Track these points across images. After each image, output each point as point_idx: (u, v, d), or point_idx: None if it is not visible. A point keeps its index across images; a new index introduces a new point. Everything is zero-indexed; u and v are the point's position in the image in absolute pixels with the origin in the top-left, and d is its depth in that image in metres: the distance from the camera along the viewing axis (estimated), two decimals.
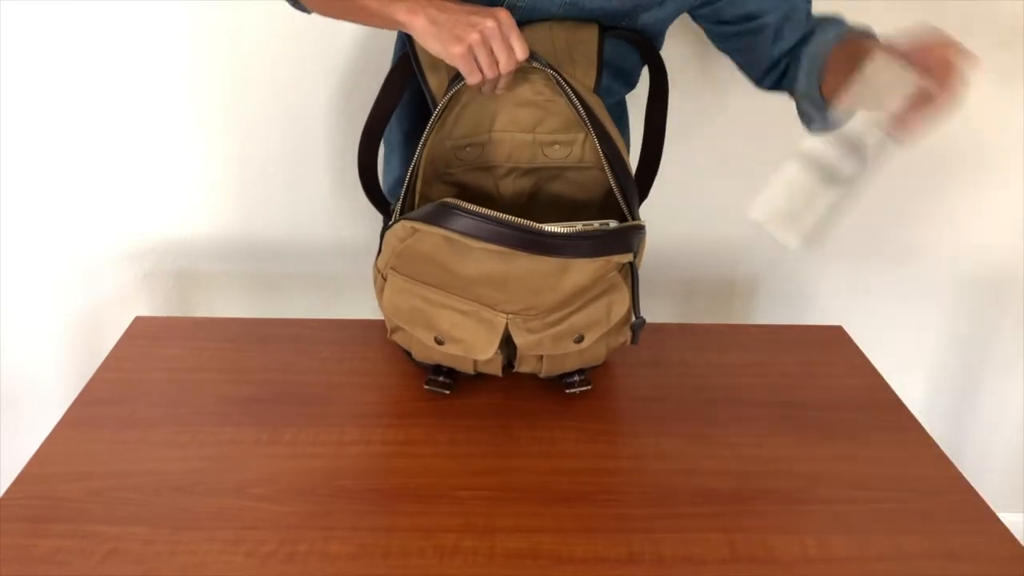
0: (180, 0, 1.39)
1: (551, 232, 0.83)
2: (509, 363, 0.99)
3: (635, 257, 0.93)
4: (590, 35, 0.99)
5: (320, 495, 0.85)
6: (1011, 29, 1.45)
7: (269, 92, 1.46)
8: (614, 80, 1.10)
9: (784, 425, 0.98)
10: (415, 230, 0.88)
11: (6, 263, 1.55)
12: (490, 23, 0.85)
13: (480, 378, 1.03)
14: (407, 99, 1.09)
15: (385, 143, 1.18)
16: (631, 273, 0.95)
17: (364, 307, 1.60)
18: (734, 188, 1.55)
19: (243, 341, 1.12)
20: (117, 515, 0.81)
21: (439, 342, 0.94)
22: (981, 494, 0.87)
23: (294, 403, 0.99)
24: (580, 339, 0.94)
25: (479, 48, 0.85)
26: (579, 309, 0.93)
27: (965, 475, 0.91)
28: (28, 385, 1.65)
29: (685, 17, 1.08)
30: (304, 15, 1.07)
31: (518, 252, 0.84)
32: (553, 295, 0.90)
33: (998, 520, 0.84)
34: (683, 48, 1.42)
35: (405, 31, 0.90)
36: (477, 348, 0.93)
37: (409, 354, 1.03)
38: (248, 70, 1.44)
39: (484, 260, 0.87)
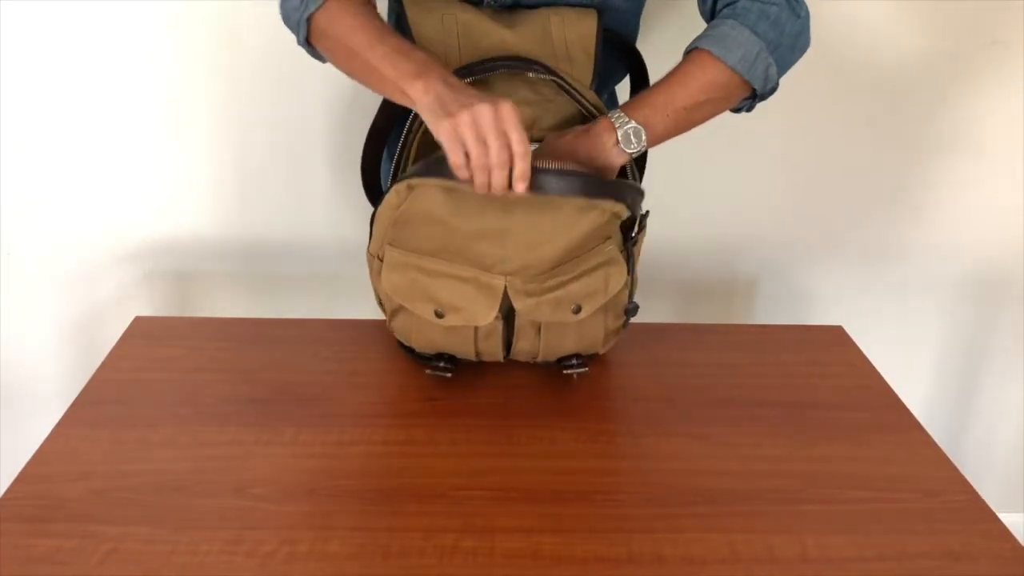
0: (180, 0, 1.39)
1: (544, 168, 0.84)
2: (508, 348, 0.99)
3: (631, 216, 0.94)
4: (588, 31, 1.00)
5: (320, 495, 0.85)
6: (1011, 28, 1.45)
7: (269, 92, 1.46)
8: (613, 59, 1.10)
9: (784, 425, 0.98)
10: (411, 188, 0.89)
11: (6, 263, 1.55)
12: (486, 107, 0.80)
13: (480, 377, 1.03)
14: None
15: (388, 145, 1.17)
16: (628, 256, 0.96)
17: (364, 307, 1.59)
18: (734, 188, 1.55)
19: (243, 341, 1.12)
20: (117, 515, 0.81)
21: (439, 315, 0.95)
22: (981, 494, 0.87)
23: (294, 403, 0.99)
24: (578, 309, 0.95)
25: (466, 128, 0.80)
26: (577, 277, 0.94)
27: (965, 475, 0.91)
28: (28, 385, 1.64)
29: (680, 13, 1.08)
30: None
31: (516, 202, 0.86)
32: (550, 249, 0.91)
33: (998, 520, 0.84)
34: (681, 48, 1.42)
35: (412, 107, 0.88)
36: (477, 314, 0.94)
37: (411, 350, 1.03)
38: (248, 69, 1.44)
39: (482, 212, 0.88)
